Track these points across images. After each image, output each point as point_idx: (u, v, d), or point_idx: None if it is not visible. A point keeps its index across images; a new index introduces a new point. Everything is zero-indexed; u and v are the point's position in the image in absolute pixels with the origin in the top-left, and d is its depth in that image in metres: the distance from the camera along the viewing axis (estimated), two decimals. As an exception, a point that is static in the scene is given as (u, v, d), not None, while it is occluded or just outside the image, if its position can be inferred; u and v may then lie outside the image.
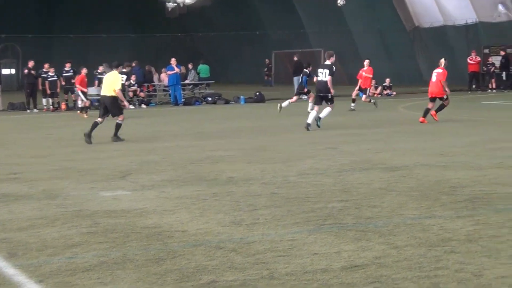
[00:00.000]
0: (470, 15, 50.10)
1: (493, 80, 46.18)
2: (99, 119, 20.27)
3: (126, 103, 21.38)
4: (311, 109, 25.75)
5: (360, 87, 31.43)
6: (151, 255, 7.79)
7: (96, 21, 61.61)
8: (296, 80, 42.44)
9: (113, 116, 20.49)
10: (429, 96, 24.40)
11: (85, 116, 29.86)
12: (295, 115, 28.85)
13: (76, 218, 9.76)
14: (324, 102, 23.02)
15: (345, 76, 59.84)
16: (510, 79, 47.24)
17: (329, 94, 22.74)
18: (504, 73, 46.61)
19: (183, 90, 40.11)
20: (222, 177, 13.07)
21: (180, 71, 39.55)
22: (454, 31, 51.56)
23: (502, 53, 47.08)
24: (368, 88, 32.14)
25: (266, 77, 61.14)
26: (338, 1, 29.81)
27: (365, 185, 11.85)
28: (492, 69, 46.40)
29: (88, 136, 19.63)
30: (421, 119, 23.76)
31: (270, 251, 7.84)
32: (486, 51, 48.26)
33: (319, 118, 22.68)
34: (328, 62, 23.17)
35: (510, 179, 12.06)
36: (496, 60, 47.07)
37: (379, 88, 44.72)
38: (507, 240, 8.03)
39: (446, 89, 23.96)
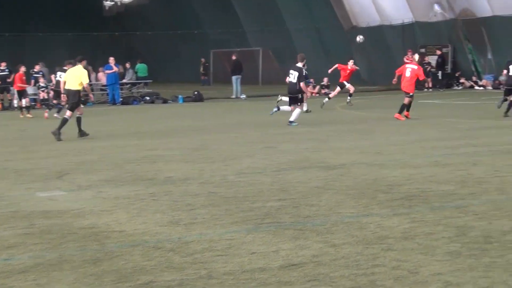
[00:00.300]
0: (406, 15, 50.65)
1: (429, 79, 46.78)
2: (68, 114, 20.59)
3: (91, 95, 21.45)
4: (306, 110, 27.41)
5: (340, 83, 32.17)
6: (88, 256, 7.72)
7: (32, 20, 60.87)
8: (235, 79, 42.51)
9: (69, 110, 20.70)
10: (403, 91, 25.16)
11: (29, 116, 29.50)
12: (235, 113, 28.91)
13: (12, 219, 9.62)
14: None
15: (283, 75, 59.91)
16: (446, 78, 47.94)
17: (299, 95, 23.44)
18: (440, 72, 47.30)
19: (121, 89, 39.85)
20: (160, 177, 13.01)
21: (118, 70, 39.32)
22: (391, 30, 52.08)
23: (438, 52, 47.76)
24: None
25: (202, 77, 61.01)
26: (358, 39, 30.54)
27: (303, 184, 11.90)
28: (428, 69, 46.97)
29: (56, 133, 19.93)
30: (396, 115, 24.40)
31: (208, 250, 7.83)
32: (423, 50, 48.85)
33: (291, 122, 23.16)
34: (299, 64, 23.71)
35: (446, 177, 12.22)
36: (432, 59, 47.73)
37: (317, 87, 44.94)
38: (442, 237, 8.13)
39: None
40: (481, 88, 45.90)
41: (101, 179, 12.88)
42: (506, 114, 24.67)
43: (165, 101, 38.66)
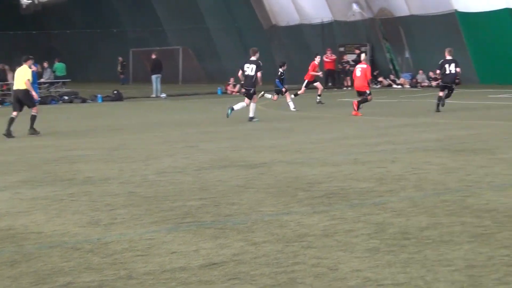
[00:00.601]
0: (325, 14, 51.11)
1: (348, 78, 47.25)
2: (14, 113, 21.14)
3: (34, 93, 21.92)
4: (294, 108, 28.03)
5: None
6: (5, 258, 7.58)
7: None
8: (155, 78, 42.27)
9: (29, 108, 21.32)
10: (356, 90, 25.93)
11: None
12: (155, 113, 28.77)
13: None
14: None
15: (203, 74, 60.02)
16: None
17: (252, 89, 24.08)
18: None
19: (39, 89, 39.24)
20: (79, 177, 12.85)
21: (37, 69, 38.71)
22: (310, 29, 52.47)
23: (357, 51, 48.23)
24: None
25: (120, 75, 60.54)
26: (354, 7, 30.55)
27: (223, 183, 11.89)
28: (347, 67, 47.48)
29: (8, 133, 20.42)
30: (354, 112, 24.97)
31: (128, 250, 7.76)
32: (342, 49, 49.37)
33: (251, 118, 23.82)
34: (253, 58, 24.38)
35: (365, 175, 12.36)
36: (351, 58, 48.24)
37: (237, 86, 44.98)
38: (362, 234, 8.21)
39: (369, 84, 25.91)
40: (399, 86, 46.59)
41: (18, 180, 12.67)
42: (437, 109, 25.90)
43: (84, 101, 38.23)
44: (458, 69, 26.01)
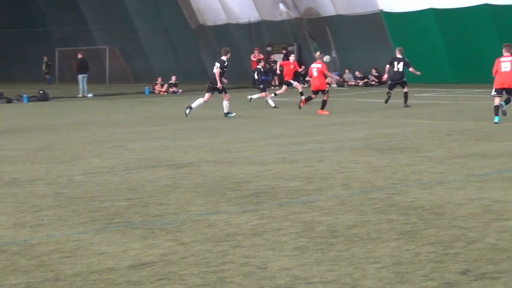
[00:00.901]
0: (252, 14, 51.23)
1: (275, 77, 47.43)
2: None
3: None
4: (274, 106, 28.74)
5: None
6: None
7: None
8: (81, 78, 41.83)
9: None
10: (312, 89, 26.61)
11: None
12: (82, 112, 28.48)
13: None
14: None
15: (130, 74, 59.65)
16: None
17: (216, 85, 24.96)
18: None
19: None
20: (5, 178, 12.65)
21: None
22: (237, 29, 52.53)
23: (284, 51, 48.50)
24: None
25: (46, 75, 59.69)
26: (325, 59, 30.72)
27: (151, 183, 11.84)
28: (274, 67, 47.62)
29: None
30: (319, 111, 25.60)
31: (55, 252, 7.67)
32: (269, 49, 49.53)
33: (191, 107, 24.94)
34: (223, 58, 25.37)
35: (293, 173, 12.42)
36: (279, 57, 48.41)
37: (165, 85, 44.79)
38: (290, 232, 8.25)
39: (329, 79, 26.99)
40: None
41: None
42: (406, 104, 27.35)
43: (9, 101, 37.64)
44: (410, 69, 27.29)
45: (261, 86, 30.51)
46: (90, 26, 61.29)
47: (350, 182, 11.49)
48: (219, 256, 7.36)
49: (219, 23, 53.35)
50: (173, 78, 44.92)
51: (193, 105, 25.13)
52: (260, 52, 48.38)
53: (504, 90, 20.71)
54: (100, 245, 7.93)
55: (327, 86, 26.65)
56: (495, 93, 20.62)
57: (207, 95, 25.50)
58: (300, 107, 26.75)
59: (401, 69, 27.30)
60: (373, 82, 45.10)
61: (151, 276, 6.76)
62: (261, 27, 51.45)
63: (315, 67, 26.52)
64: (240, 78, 51.20)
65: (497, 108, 20.46)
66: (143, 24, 57.57)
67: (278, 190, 10.93)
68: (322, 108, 25.74)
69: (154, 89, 44.81)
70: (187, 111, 24.87)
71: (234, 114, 24.91)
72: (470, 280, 6.35)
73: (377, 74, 45.45)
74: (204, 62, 55.82)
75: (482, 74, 40.96)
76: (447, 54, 42.07)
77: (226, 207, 9.80)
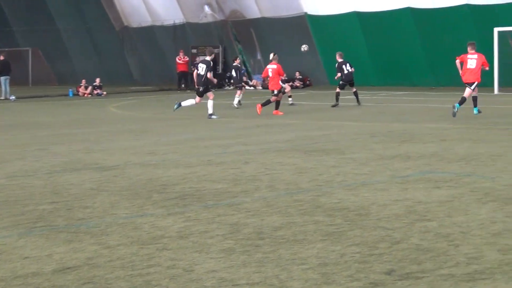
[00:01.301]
0: (177, 16, 51.09)
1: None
2: None
3: None
4: (237, 104, 29.91)
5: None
6: None
7: None
8: (3, 80, 41.15)
9: None
10: (270, 89, 27.10)
11: None
12: (4, 115, 28.03)
13: None
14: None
15: (54, 76, 58.92)
16: (217, 78, 48.70)
17: (207, 86, 25.17)
18: (211, 72, 47.93)
19: None
20: None
21: None
22: (162, 31, 52.34)
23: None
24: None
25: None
26: (302, 47, 30.82)
27: (76, 186, 11.71)
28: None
29: None
30: (274, 112, 26.00)
31: (-23, 257, 7.52)
32: (194, 51, 49.46)
33: (180, 104, 25.51)
34: (208, 58, 25.52)
35: (219, 176, 12.42)
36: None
37: (89, 88, 44.37)
38: (217, 235, 8.25)
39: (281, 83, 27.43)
40: (252, 88, 47.06)
41: None
42: (358, 103, 28.87)
43: None
44: (352, 69, 29.17)
45: (240, 83, 31.56)
46: (13, 28, 60.33)
47: (276, 184, 11.54)
48: (145, 259, 7.31)
49: (144, 24, 53.07)
50: (97, 80, 44.54)
51: (183, 103, 25.65)
52: (185, 54, 48.30)
53: (467, 85, 22.69)
54: (24, 249, 7.81)
55: (281, 86, 27.22)
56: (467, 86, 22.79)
57: (197, 98, 25.59)
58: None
59: (350, 70, 29.08)
60: (297, 85, 45.35)
61: (76, 280, 6.69)
62: (186, 29, 51.36)
63: (270, 68, 27.04)
64: (165, 80, 51.05)
65: (475, 99, 22.85)
66: (67, 26, 56.92)
67: (204, 192, 10.91)
68: (277, 108, 26.21)
69: (78, 91, 44.35)
70: (176, 107, 25.64)
71: (217, 116, 24.83)
72: (395, 280, 6.43)
73: (301, 77, 45.75)
74: (128, 64, 55.47)
75: (404, 77, 41.69)
76: (370, 57, 42.59)
77: (152, 209, 9.75)
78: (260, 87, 46.58)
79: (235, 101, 30.26)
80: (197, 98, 25.54)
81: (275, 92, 26.44)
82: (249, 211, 9.44)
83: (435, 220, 8.66)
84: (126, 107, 31.59)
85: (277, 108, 26.15)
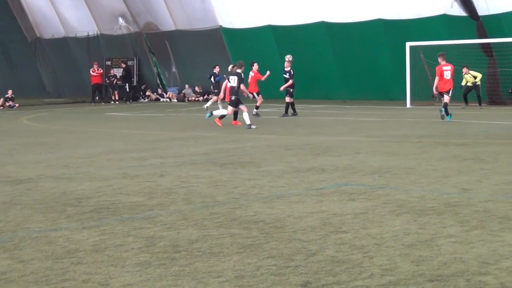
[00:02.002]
0: (91, 27, 50.66)
1: (116, 92, 47.11)
2: None
3: None
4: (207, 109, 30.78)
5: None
6: None
7: None
8: None
9: None
10: (227, 101, 27.17)
11: None
12: None
13: None
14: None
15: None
16: (133, 90, 48.51)
17: (239, 98, 26.44)
18: (127, 84, 47.76)
19: None
20: None
21: None
22: (76, 42, 51.81)
23: (123, 65, 48.21)
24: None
25: None
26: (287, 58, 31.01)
27: (-12, 200, 11.48)
28: (114, 81, 47.29)
29: None
30: (233, 122, 26.79)
31: None
32: (108, 63, 49.10)
33: (211, 113, 26.42)
34: (239, 70, 26.65)
35: (134, 189, 12.34)
36: (118, 72, 48.08)
37: (1, 99, 43.59)
38: (132, 248, 8.19)
39: (247, 93, 28.56)
40: (167, 100, 46.95)
41: None
42: (288, 114, 29.78)
43: None
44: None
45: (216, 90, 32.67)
46: None
47: (191, 197, 11.52)
48: (60, 273, 7.21)
49: (57, 36, 52.47)
50: (10, 92, 43.82)
51: (215, 112, 26.68)
52: (99, 66, 47.90)
53: (445, 93, 25.54)
54: None
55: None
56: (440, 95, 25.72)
57: (231, 108, 26.45)
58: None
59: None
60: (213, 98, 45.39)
61: (-11, 296, 6.56)
62: (100, 41, 50.94)
63: (233, 78, 27.10)
64: (79, 93, 50.53)
65: (446, 105, 25.42)
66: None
67: (119, 206, 10.82)
68: (235, 118, 26.82)
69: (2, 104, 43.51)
70: (208, 115, 26.53)
71: (256, 126, 25.42)
72: (311, 292, 6.49)
73: (216, 90, 45.78)
74: (41, 76, 54.73)
75: (319, 90, 42.13)
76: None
77: (66, 223, 9.63)
78: (175, 100, 46.49)
79: (207, 107, 32.14)
80: (230, 109, 26.41)
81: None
82: (165, 224, 9.40)
83: (350, 232, 8.76)
84: (39, 120, 31.14)
85: (235, 118, 26.95)
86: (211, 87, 36.26)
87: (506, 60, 33.30)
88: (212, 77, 34.80)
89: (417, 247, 7.92)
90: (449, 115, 25.73)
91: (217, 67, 35.46)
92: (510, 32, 34.66)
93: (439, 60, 25.99)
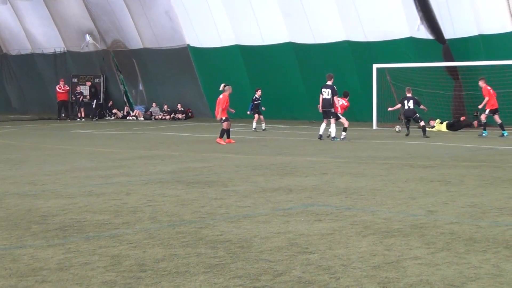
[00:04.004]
0: (58, 44, 50.49)
1: (82, 109, 46.90)
2: None
3: None
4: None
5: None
6: None
7: None
8: None
9: None
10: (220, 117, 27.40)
11: None
12: None
13: None
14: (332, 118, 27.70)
15: None
16: (99, 108, 48.33)
17: (331, 109, 27.58)
18: (94, 101, 47.58)
19: None
20: None
21: None
22: (42, 59, 51.60)
23: (89, 83, 48.09)
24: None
25: None
26: (395, 129, 31.24)
27: (-49, 216, 11.35)
28: (81, 98, 47.09)
29: None
30: (218, 139, 26.67)
31: None
32: (75, 80, 48.93)
33: (333, 137, 27.47)
34: (329, 82, 27.86)
35: (100, 207, 12.26)
36: (85, 89, 47.91)
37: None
38: (98, 267, 8.12)
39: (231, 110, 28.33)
40: (134, 118, 46.82)
41: None
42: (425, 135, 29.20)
43: None
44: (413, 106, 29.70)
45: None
46: None
47: (158, 215, 11.47)
48: (24, 292, 7.14)
49: (23, 52, 52.21)
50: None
51: (332, 133, 27.55)
52: (66, 83, 47.69)
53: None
54: None
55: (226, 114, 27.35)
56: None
57: (332, 120, 27.64)
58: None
59: (412, 107, 29.66)
60: (179, 116, 45.35)
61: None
62: (67, 58, 50.74)
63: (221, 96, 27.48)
64: (45, 109, 50.26)
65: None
66: None
67: (85, 224, 10.75)
68: (221, 136, 26.71)
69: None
70: (334, 140, 27.34)
71: (338, 139, 27.22)
72: (278, 312, 6.47)
73: (182, 108, 45.77)
74: (7, 91, 54.38)
75: (286, 110, 42.23)
76: (252, 90, 42.98)
77: (31, 241, 9.53)
78: (142, 118, 46.37)
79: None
80: (326, 120, 27.84)
81: (223, 119, 26.94)
82: (131, 243, 9.35)
83: (316, 252, 8.76)
84: (4, 136, 30.90)
85: (228, 136, 26.86)
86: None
87: (472, 83, 33.60)
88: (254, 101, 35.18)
89: (383, 269, 7.94)
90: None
91: (259, 90, 35.53)
92: (475, 55, 35.06)
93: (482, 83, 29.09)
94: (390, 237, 9.62)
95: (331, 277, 7.62)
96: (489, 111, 29.26)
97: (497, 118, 29.47)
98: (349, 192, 13.93)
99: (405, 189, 14.29)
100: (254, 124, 34.27)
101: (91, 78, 48.61)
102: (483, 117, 29.41)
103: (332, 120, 27.59)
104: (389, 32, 37.23)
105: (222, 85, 28.22)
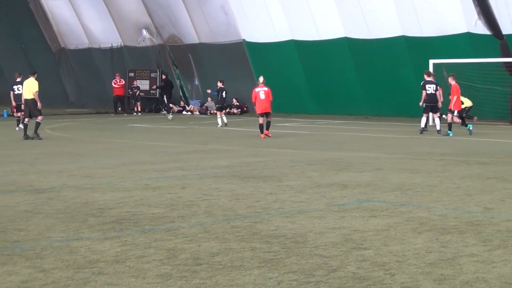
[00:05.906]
0: (115, 39, 50.84)
1: (138, 103, 47.18)
2: (27, 120, 26.71)
3: (39, 103, 26.45)
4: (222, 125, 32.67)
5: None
6: None
7: None
8: None
9: (34, 116, 26.22)
10: (260, 112, 27.26)
11: None
12: None
13: None
14: None
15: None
16: (155, 102, 48.58)
17: (436, 104, 28.85)
18: (164, 96, 47.68)
19: None
20: None
21: None
22: (99, 53, 52.00)
23: (164, 76, 47.97)
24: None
25: None
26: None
27: (10, 208, 11.54)
28: (137, 92, 47.38)
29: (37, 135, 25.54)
30: (262, 135, 26.82)
31: None
32: (131, 74, 49.24)
33: (439, 131, 28.53)
34: (430, 78, 28.89)
35: (156, 200, 12.36)
36: (141, 83, 48.18)
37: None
38: (153, 260, 8.20)
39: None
40: (189, 113, 47.01)
41: None
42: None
43: None
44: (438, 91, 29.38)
45: (218, 105, 34.35)
46: None
47: (213, 209, 11.53)
48: (81, 284, 7.23)
49: (80, 47, 52.68)
50: (33, 101, 43.91)
51: (437, 126, 28.61)
52: (122, 77, 48.05)
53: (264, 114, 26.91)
54: (-44, 272, 7.67)
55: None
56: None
57: (433, 114, 29.50)
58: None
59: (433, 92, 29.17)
60: (235, 111, 45.42)
61: (10, 304, 6.58)
62: (123, 53, 51.10)
63: (262, 90, 27.27)
64: (101, 103, 50.72)
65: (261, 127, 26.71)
66: (2, 46, 56.19)
67: (141, 217, 10.84)
68: (267, 128, 26.99)
69: (13, 112, 43.69)
70: (438, 133, 28.30)
71: (451, 133, 27.79)
72: (332, 308, 6.46)
73: (238, 103, 45.82)
74: (65, 86, 54.98)
75: (340, 106, 42.05)
76: (307, 85, 42.88)
77: (88, 233, 9.65)
78: (198, 113, 46.55)
79: (219, 122, 33.04)
80: (434, 115, 29.29)
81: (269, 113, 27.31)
82: (186, 237, 9.41)
83: (371, 248, 8.73)
84: (61, 129, 31.29)
85: (267, 128, 27.08)
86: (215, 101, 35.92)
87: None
88: (217, 92, 34.65)
89: (439, 266, 7.88)
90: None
91: (221, 82, 35.22)
92: (534, 51, 34.52)
93: None
94: (446, 234, 9.55)
95: (386, 273, 7.59)
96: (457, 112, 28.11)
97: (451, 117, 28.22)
98: (404, 188, 13.84)
99: (461, 185, 14.16)
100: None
101: (165, 73, 48.55)
102: (450, 118, 28.22)
103: (436, 115, 29.02)
104: (445, 27, 36.82)
105: (261, 78, 28.09)
